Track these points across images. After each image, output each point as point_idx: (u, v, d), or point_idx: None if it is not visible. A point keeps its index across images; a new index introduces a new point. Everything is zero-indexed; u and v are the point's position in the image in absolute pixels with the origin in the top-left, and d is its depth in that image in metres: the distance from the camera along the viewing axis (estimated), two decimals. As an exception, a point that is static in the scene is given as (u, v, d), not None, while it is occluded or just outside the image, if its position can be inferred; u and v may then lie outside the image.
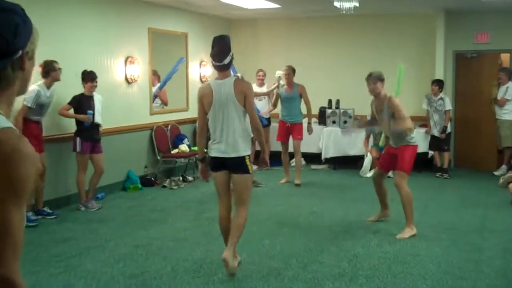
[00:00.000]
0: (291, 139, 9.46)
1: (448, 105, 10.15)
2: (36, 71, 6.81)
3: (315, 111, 10.37)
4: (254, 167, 6.67)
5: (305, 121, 9.49)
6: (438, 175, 10.14)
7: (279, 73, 9.38)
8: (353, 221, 7.09)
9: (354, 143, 10.71)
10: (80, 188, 7.63)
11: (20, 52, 1.54)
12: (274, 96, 9.60)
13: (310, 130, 9.48)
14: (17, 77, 1.57)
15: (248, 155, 5.13)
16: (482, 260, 5.61)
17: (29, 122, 6.81)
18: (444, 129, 10.14)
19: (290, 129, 9.37)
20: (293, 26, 12.09)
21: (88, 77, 7.57)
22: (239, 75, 5.78)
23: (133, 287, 4.87)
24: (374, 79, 6.37)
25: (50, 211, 7.23)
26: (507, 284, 5.04)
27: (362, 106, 10.11)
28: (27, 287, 1.55)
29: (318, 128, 10.88)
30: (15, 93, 1.61)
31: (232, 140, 5.03)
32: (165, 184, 9.31)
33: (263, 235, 6.24)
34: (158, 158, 9.69)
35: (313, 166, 11.08)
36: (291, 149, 9.50)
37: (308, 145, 10.21)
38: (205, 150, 5.40)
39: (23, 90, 1.64)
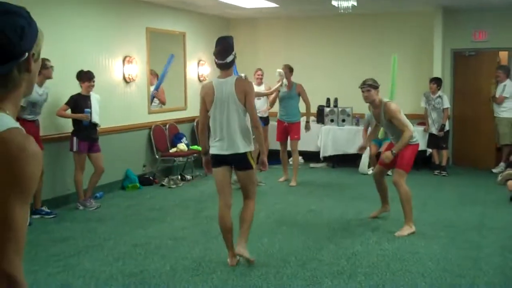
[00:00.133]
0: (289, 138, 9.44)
1: (446, 103, 10.16)
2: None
3: (313, 109, 10.39)
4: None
5: (303, 120, 9.48)
6: (436, 173, 10.15)
7: (280, 71, 9.33)
8: (351, 219, 7.10)
9: (353, 141, 10.70)
10: (78, 188, 7.62)
11: (26, 54, 1.55)
12: (273, 95, 9.53)
13: (307, 128, 9.47)
14: (24, 79, 1.59)
15: (250, 151, 5.23)
16: (481, 257, 5.61)
17: (24, 122, 6.68)
18: (442, 127, 10.15)
19: (288, 129, 9.34)
20: (291, 26, 12.09)
21: (86, 76, 7.56)
22: (243, 75, 5.83)
23: (132, 286, 4.86)
24: (368, 87, 6.37)
25: (48, 211, 7.22)
26: (506, 282, 5.04)
27: (360, 104, 10.08)
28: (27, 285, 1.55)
29: (316, 127, 10.89)
30: (22, 95, 1.63)
31: (233, 137, 5.13)
32: (163, 183, 9.31)
33: (262, 233, 6.23)
34: (157, 157, 9.69)
35: (312, 165, 11.09)
36: (289, 147, 9.49)
37: (306, 143, 10.22)
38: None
39: (29, 91, 1.66)
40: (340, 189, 9.07)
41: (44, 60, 6.88)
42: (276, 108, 9.70)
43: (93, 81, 7.60)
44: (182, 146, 9.87)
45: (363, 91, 6.41)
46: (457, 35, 10.80)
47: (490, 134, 10.51)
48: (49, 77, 7.05)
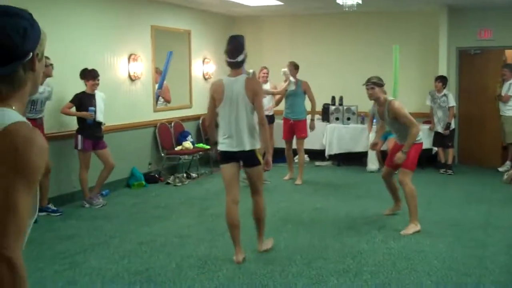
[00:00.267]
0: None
1: (452, 102, 10.13)
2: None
3: (318, 107, 10.37)
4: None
5: (308, 118, 9.45)
6: (442, 172, 10.13)
7: (285, 70, 9.30)
8: (357, 217, 7.09)
9: (358, 139, 10.70)
10: (83, 186, 7.63)
11: (31, 54, 1.62)
12: (279, 96, 9.51)
13: (312, 127, 9.46)
14: (29, 78, 1.66)
15: (257, 149, 5.34)
16: (487, 256, 5.60)
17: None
18: (448, 126, 10.13)
19: (294, 126, 9.31)
20: (296, 23, 12.08)
21: (90, 75, 7.55)
22: (251, 71, 5.89)
23: (137, 284, 4.87)
24: (372, 84, 6.43)
25: (54, 208, 7.24)
26: (512, 280, 5.04)
27: (365, 103, 10.08)
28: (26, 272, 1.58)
29: (321, 125, 10.89)
30: (28, 93, 1.70)
31: (241, 135, 5.22)
32: (169, 181, 9.31)
33: (267, 231, 6.21)
34: (162, 155, 9.70)
35: (317, 163, 11.08)
36: (295, 145, 9.47)
37: (311, 142, 10.19)
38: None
39: (34, 90, 1.73)
40: (345, 188, 9.06)
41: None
42: (281, 106, 9.67)
43: (98, 80, 7.60)
44: (187, 144, 9.87)
45: (367, 89, 6.48)
46: (462, 34, 10.77)
47: (496, 132, 10.48)
48: (49, 75, 7.00)
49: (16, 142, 1.52)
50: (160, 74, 10.01)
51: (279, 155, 9.66)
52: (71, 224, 6.84)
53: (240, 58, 5.24)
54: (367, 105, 10.15)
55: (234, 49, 5.24)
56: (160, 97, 10.00)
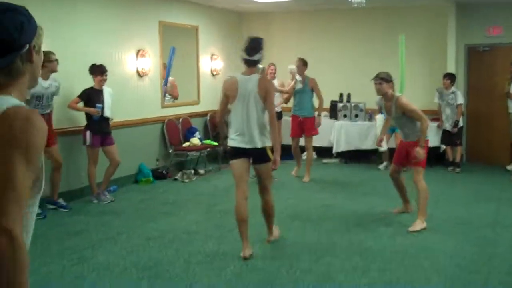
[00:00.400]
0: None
1: (460, 99, 10.08)
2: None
3: (326, 105, 10.35)
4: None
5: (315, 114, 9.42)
6: (450, 170, 10.10)
7: (292, 67, 9.29)
8: (364, 214, 7.08)
9: (366, 137, 10.68)
10: (91, 182, 7.66)
11: (27, 46, 1.73)
12: (288, 94, 9.49)
13: (317, 123, 9.40)
14: (27, 69, 1.76)
15: (268, 146, 5.43)
16: (495, 254, 5.58)
17: None
18: (456, 123, 10.08)
19: (303, 124, 9.28)
20: (304, 20, 12.06)
21: (98, 70, 7.57)
22: (260, 66, 5.97)
23: (145, 279, 4.89)
24: (380, 80, 6.51)
25: (64, 204, 7.26)
26: (520, 279, 5.02)
27: (373, 100, 10.04)
28: (26, 243, 1.62)
29: (329, 122, 10.88)
30: (27, 85, 1.80)
31: (252, 133, 5.33)
32: (176, 177, 9.33)
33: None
34: (170, 151, 9.71)
35: (325, 160, 11.06)
36: (302, 143, 9.45)
37: (319, 139, 10.14)
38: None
39: (33, 82, 1.83)
40: (353, 185, 9.05)
41: (48, 53, 6.87)
42: (289, 103, 9.64)
43: (106, 75, 7.61)
44: (195, 140, 9.89)
45: (375, 84, 6.56)
46: (471, 30, 10.71)
47: (505, 130, 10.43)
48: (54, 71, 7.00)
49: (15, 123, 1.60)
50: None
51: (286, 152, 9.64)
52: (80, 220, 6.86)
53: (256, 57, 5.35)
54: (374, 103, 10.17)
55: (253, 48, 5.35)
56: (167, 94, 9.99)
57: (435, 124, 10.20)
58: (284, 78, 9.92)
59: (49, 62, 6.84)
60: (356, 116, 10.90)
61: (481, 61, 10.88)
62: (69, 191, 7.67)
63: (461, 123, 10.22)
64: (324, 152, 11.08)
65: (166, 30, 9.80)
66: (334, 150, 10.89)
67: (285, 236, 6.07)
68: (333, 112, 11.15)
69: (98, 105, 7.50)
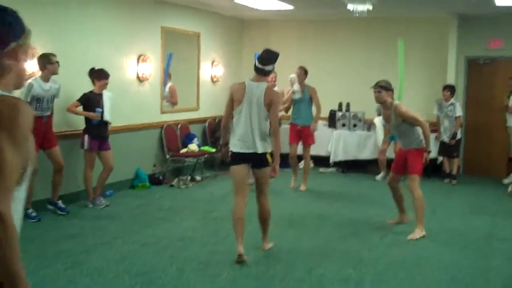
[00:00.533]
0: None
1: (459, 111, 10.07)
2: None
3: (325, 113, 10.34)
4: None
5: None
6: (446, 181, 10.09)
7: (292, 76, 9.28)
8: (360, 225, 7.07)
9: (364, 146, 10.69)
10: (87, 186, 7.64)
11: (13, 43, 1.80)
12: (286, 104, 9.47)
13: (313, 128, 9.23)
14: (12, 68, 1.82)
15: (267, 152, 5.55)
16: (490, 268, 5.57)
17: None
18: (454, 135, 10.08)
19: (301, 133, 9.25)
20: (305, 28, 12.07)
21: (103, 74, 7.56)
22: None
23: (138, 285, 4.87)
24: (380, 88, 6.58)
25: (63, 206, 7.24)
26: (514, 293, 5.02)
27: (372, 109, 10.09)
28: (15, 224, 1.67)
29: (327, 131, 10.88)
30: (12, 83, 1.85)
31: (254, 138, 5.42)
32: (173, 183, 9.32)
33: (270, 237, 6.20)
34: (167, 157, 9.70)
35: (321, 169, 11.05)
36: (299, 151, 9.40)
37: (317, 148, 10.11)
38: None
39: (19, 82, 1.90)
40: (349, 195, 9.05)
41: (49, 55, 6.87)
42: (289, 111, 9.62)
43: (108, 80, 7.63)
44: (193, 146, 9.88)
45: (374, 92, 6.63)
46: (472, 43, 10.72)
47: (503, 143, 10.43)
48: (55, 73, 6.96)
49: (2, 109, 1.68)
50: (169, 76, 10.03)
51: (284, 160, 9.61)
52: (75, 224, 6.85)
53: (267, 68, 5.50)
54: (373, 112, 10.18)
55: (267, 59, 5.50)
56: (165, 100, 9.97)
57: (433, 135, 10.16)
58: (284, 85, 9.91)
59: (50, 64, 6.83)
60: (355, 125, 10.90)
61: (481, 74, 10.90)
62: (66, 194, 7.63)
63: (459, 135, 10.22)
64: (321, 161, 11.06)
65: (168, 36, 9.81)
66: (332, 160, 10.87)
67: (280, 244, 6.06)
68: (332, 121, 11.15)
69: (98, 109, 7.49)
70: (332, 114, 11.17)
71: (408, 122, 6.51)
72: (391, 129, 6.82)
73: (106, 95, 7.69)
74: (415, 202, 6.54)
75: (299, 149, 9.40)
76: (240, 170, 5.51)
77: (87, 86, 7.58)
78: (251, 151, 5.44)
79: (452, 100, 10.08)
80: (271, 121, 5.50)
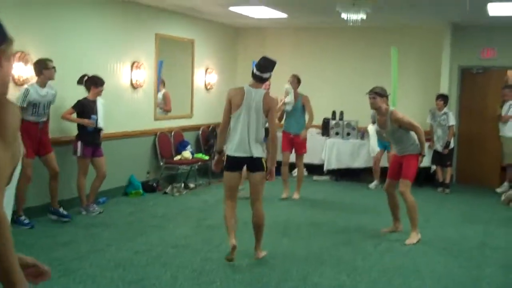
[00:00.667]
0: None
1: (452, 121, 10.11)
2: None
3: (319, 122, 10.35)
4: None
5: (309, 132, 9.37)
6: (439, 190, 10.11)
7: (287, 87, 9.21)
8: (354, 233, 7.07)
9: (357, 155, 10.71)
10: (80, 193, 7.61)
11: None
12: (279, 113, 9.42)
13: (303, 135, 9.08)
14: None
15: (263, 157, 5.62)
16: (483, 277, 5.58)
17: (26, 123, 6.51)
18: (447, 144, 10.11)
19: (293, 141, 9.18)
20: (299, 36, 12.11)
21: (99, 82, 7.54)
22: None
23: (132, 293, 4.85)
24: (374, 94, 6.65)
25: (65, 213, 7.21)
26: (508, 302, 5.02)
27: (366, 118, 10.09)
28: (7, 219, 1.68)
29: (321, 140, 10.90)
30: None
31: (250, 143, 5.50)
32: (166, 191, 9.29)
33: (264, 245, 6.19)
34: (161, 164, 9.68)
35: (315, 177, 11.05)
36: (292, 159, 9.36)
37: (310, 156, 10.11)
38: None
39: (2, 88, 1.82)
40: (343, 203, 9.05)
41: (46, 60, 6.86)
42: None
43: (104, 87, 7.62)
44: (186, 154, 9.86)
45: (369, 98, 6.70)
46: (465, 52, 10.78)
47: (496, 152, 10.48)
48: (51, 78, 6.94)
49: None
50: (163, 83, 10.02)
51: (277, 168, 9.60)
52: (68, 231, 6.81)
53: (265, 76, 5.63)
54: (367, 121, 10.19)
55: (265, 67, 5.62)
56: (158, 107, 9.96)
57: (426, 144, 10.18)
58: (278, 93, 9.89)
59: (46, 70, 6.82)
60: (348, 134, 10.92)
61: (474, 83, 10.96)
62: (58, 201, 7.58)
63: (452, 144, 10.25)
64: (314, 169, 11.06)
65: (162, 43, 9.81)
66: (325, 168, 10.89)
67: (275, 252, 6.05)
68: (325, 129, 11.16)
69: (93, 116, 7.48)
70: (326, 122, 11.18)
71: (404, 127, 6.59)
72: (386, 136, 6.84)
73: (99, 101, 7.67)
74: (407, 205, 6.61)
75: (292, 157, 9.38)
76: (232, 177, 5.62)
77: (80, 92, 7.56)
78: (246, 155, 5.51)
79: (445, 109, 10.12)
80: (270, 126, 5.60)
